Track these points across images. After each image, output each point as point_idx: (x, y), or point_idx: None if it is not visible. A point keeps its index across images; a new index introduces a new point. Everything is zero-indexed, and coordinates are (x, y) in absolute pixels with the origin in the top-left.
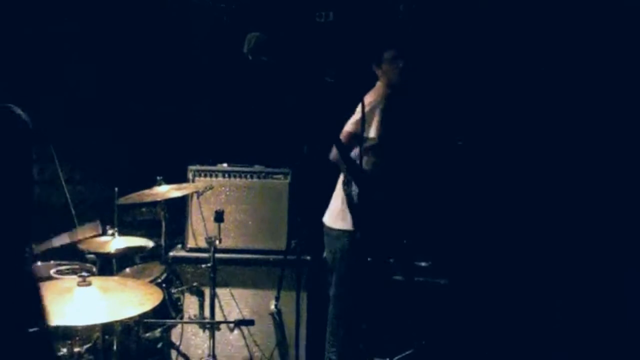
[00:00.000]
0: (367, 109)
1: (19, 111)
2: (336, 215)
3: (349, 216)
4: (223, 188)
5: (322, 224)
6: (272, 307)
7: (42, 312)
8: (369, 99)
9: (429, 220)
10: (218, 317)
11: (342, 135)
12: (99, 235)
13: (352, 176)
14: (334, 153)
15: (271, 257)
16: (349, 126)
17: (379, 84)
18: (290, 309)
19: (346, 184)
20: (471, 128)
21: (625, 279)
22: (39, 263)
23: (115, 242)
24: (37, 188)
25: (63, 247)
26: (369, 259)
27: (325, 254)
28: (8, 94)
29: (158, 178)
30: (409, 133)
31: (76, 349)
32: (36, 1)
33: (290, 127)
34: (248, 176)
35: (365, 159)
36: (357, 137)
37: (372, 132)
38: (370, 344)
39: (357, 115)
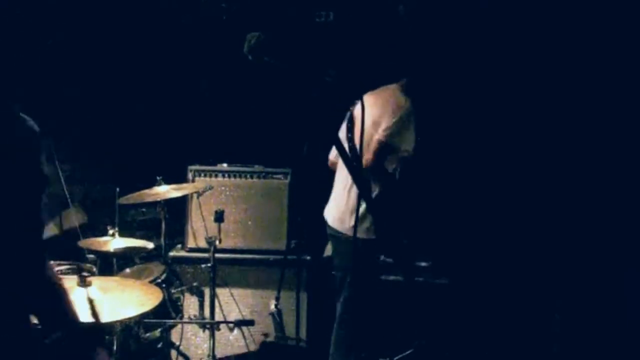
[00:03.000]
0: (396, 119)
1: (27, 119)
2: (353, 222)
3: (368, 223)
4: (223, 188)
5: (324, 226)
6: (272, 307)
7: (66, 314)
8: (391, 106)
9: (429, 220)
10: (218, 317)
11: (374, 145)
12: (85, 222)
13: (358, 183)
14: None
15: (271, 257)
16: (381, 136)
17: (398, 93)
18: (290, 309)
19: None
20: (471, 128)
21: (626, 279)
22: None
23: (115, 242)
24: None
25: (52, 239)
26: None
27: (335, 261)
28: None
29: (158, 178)
30: (433, 140)
31: None
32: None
33: (290, 127)
34: (248, 176)
35: (396, 167)
36: (389, 147)
37: (408, 145)
38: (371, 345)
39: (386, 123)
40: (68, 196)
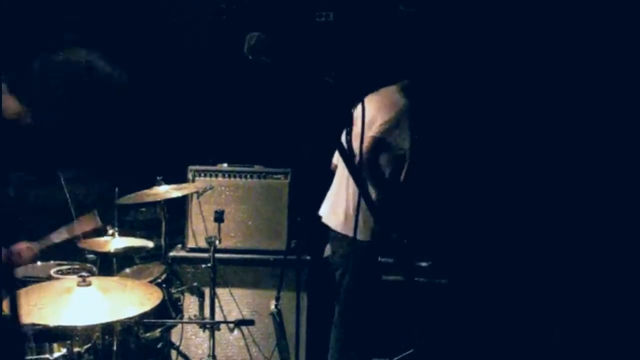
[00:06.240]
0: (390, 116)
1: None
2: (353, 223)
3: (369, 224)
4: (223, 188)
5: (324, 226)
6: (272, 307)
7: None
8: (386, 105)
9: (429, 220)
10: (218, 317)
11: (367, 141)
12: (98, 228)
13: (357, 181)
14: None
15: (271, 257)
16: (374, 132)
17: (395, 93)
18: (290, 309)
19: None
20: (472, 127)
21: (625, 279)
22: (38, 263)
23: (115, 242)
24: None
25: (63, 243)
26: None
27: (333, 259)
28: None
29: (158, 178)
30: (432, 139)
31: (76, 349)
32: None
33: (290, 127)
34: (248, 176)
35: (392, 165)
36: (382, 144)
37: (402, 143)
38: (370, 345)
39: (379, 120)
40: (68, 197)
